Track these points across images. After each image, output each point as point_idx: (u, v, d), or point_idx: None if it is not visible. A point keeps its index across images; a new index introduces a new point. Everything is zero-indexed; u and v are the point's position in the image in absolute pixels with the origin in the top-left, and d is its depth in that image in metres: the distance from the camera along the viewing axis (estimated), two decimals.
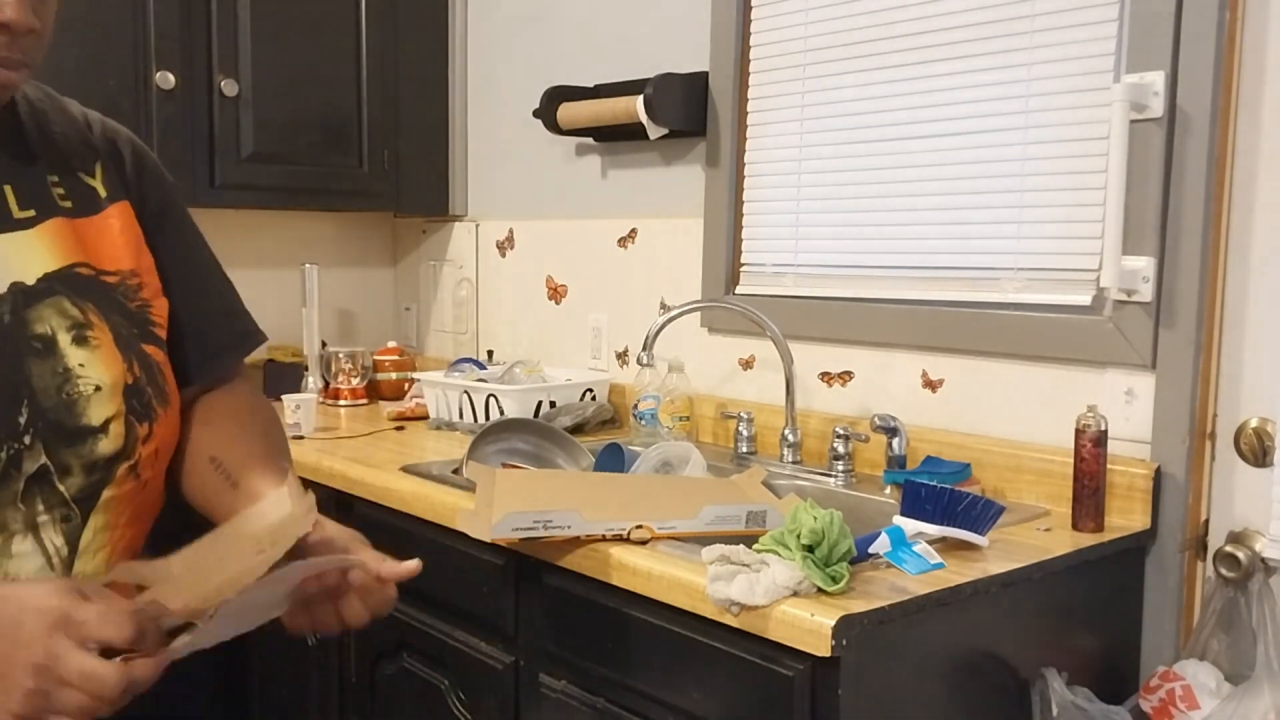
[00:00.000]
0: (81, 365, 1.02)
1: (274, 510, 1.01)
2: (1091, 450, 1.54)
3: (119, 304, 1.08)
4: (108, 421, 1.03)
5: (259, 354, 2.54)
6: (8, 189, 1.04)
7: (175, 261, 1.17)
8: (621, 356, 2.41)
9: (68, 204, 1.08)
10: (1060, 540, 1.50)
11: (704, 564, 1.28)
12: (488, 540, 1.42)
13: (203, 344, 1.18)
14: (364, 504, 1.85)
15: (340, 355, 2.63)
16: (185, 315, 1.16)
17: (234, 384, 1.25)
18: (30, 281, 1.02)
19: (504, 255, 2.70)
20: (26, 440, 0.98)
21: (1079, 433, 1.55)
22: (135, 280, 1.11)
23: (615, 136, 2.33)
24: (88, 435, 1.02)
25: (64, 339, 1.02)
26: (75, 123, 1.14)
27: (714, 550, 1.29)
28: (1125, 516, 1.57)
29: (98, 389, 1.03)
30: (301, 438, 2.18)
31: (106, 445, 1.03)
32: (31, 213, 1.04)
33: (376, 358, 2.69)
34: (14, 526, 0.99)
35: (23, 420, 0.98)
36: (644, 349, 1.91)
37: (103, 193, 1.11)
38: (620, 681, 1.43)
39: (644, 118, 2.13)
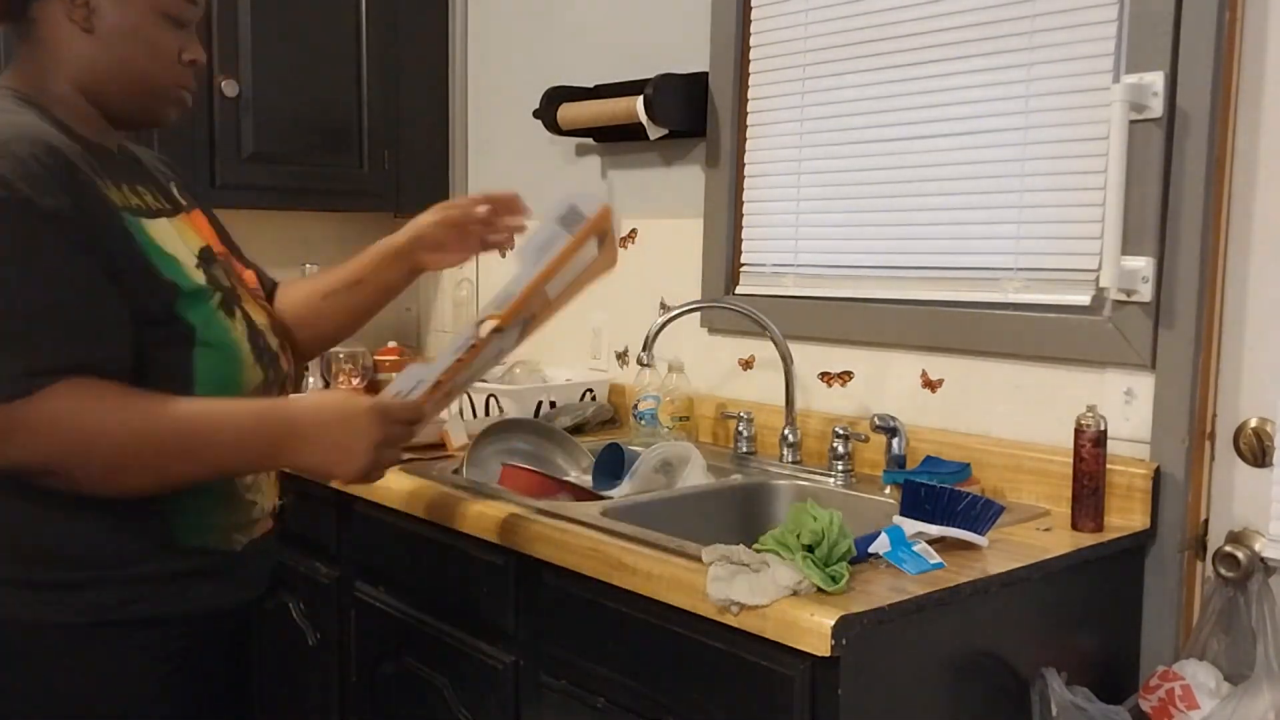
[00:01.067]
0: (249, 311, 1.34)
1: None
2: (1091, 450, 1.54)
3: (236, 271, 1.39)
4: (278, 351, 1.37)
5: None
6: (154, 188, 1.32)
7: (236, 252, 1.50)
8: (621, 356, 2.41)
9: (184, 203, 1.37)
10: (1060, 540, 1.50)
11: (704, 564, 1.29)
12: None
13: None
14: (364, 504, 1.85)
15: (340, 355, 2.62)
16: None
17: None
18: (197, 255, 1.30)
19: (504, 255, 2.69)
20: (273, 353, 1.35)
21: (1078, 433, 1.55)
22: (229, 260, 1.40)
23: (615, 137, 2.33)
24: (278, 357, 1.37)
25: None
26: (150, 155, 1.42)
27: (714, 550, 1.29)
28: (1125, 516, 1.57)
29: (265, 326, 1.36)
30: None
31: (284, 365, 1.39)
32: (171, 205, 1.33)
33: (376, 358, 2.69)
34: None
35: (261, 345, 1.33)
36: (644, 349, 1.91)
37: (184, 202, 1.38)
38: (620, 681, 1.43)
39: (644, 118, 2.13)
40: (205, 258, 1.31)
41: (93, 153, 1.23)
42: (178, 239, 1.28)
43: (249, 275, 1.46)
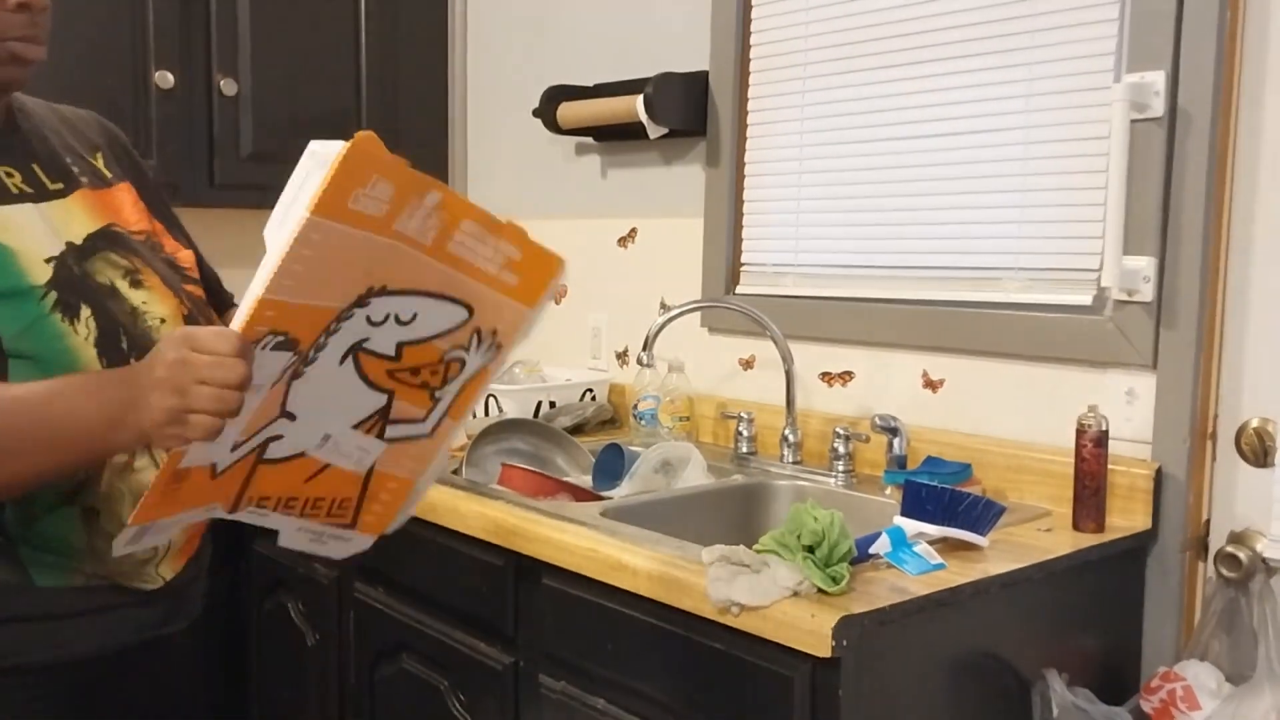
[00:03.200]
0: (144, 303, 1.17)
1: None
2: (1092, 450, 1.53)
3: (154, 254, 1.22)
4: None
5: None
6: (35, 166, 1.16)
7: (174, 229, 1.32)
8: (621, 356, 2.41)
9: (84, 179, 1.20)
10: (1061, 540, 1.50)
11: (704, 564, 1.28)
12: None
13: (210, 289, 1.35)
14: None
15: None
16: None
17: None
18: (79, 241, 1.14)
19: None
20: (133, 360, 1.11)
21: (1080, 433, 1.55)
22: (156, 238, 1.25)
23: (615, 136, 2.32)
24: None
25: (122, 284, 1.16)
26: (69, 119, 1.26)
27: (714, 551, 1.29)
28: (1126, 517, 1.57)
29: (163, 321, 1.17)
30: None
31: None
32: (60, 185, 1.17)
33: None
34: None
35: (124, 347, 1.12)
36: (644, 349, 1.91)
37: (108, 174, 1.24)
38: (620, 682, 1.43)
39: (644, 117, 2.13)
40: (86, 246, 1.13)
41: None
42: (38, 227, 1.11)
43: (184, 255, 1.27)
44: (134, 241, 1.20)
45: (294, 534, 1.08)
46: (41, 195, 1.14)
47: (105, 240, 1.16)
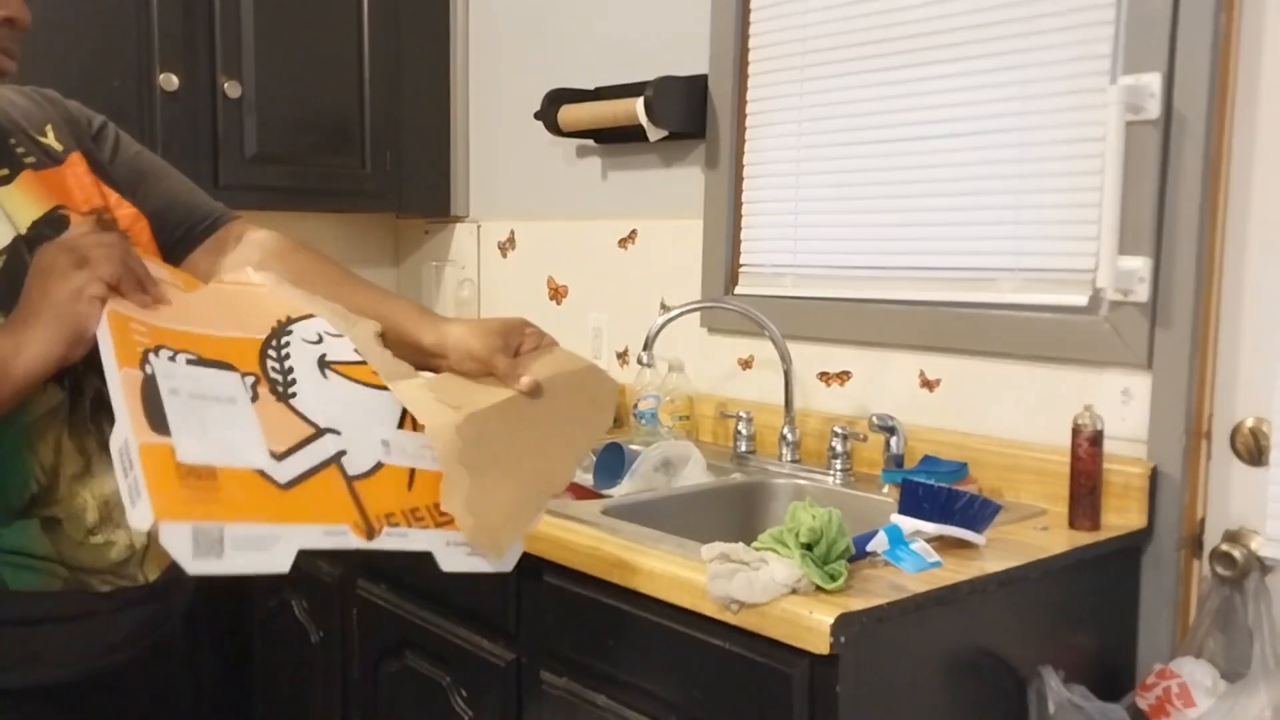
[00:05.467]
0: None
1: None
2: (1088, 449, 1.54)
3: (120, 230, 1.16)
4: None
5: None
6: None
7: (141, 171, 1.28)
8: (621, 356, 2.42)
9: (31, 159, 1.14)
10: (1057, 539, 1.50)
11: (704, 562, 1.29)
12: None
13: (194, 210, 1.31)
14: None
15: None
16: (168, 202, 1.28)
17: (254, 238, 1.35)
18: (24, 230, 1.09)
19: (505, 256, 2.71)
20: (80, 367, 1.05)
21: (1075, 432, 1.56)
22: (109, 215, 1.17)
23: (615, 138, 2.33)
24: None
25: None
26: (12, 100, 1.20)
27: (714, 548, 1.30)
28: (1122, 515, 1.58)
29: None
30: None
31: None
32: (5, 171, 1.11)
33: None
34: (90, 448, 1.09)
35: None
36: (644, 349, 1.92)
37: (58, 147, 1.18)
38: (621, 679, 1.44)
39: (644, 120, 2.14)
40: (32, 234, 1.09)
41: None
42: None
43: (125, 214, 1.20)
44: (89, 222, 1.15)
45: (446, 550, 1.05)
46: (5, 178, 1.11)
47: (50, 226, 1.10)
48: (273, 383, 0.99)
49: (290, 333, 1.04)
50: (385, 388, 1.06)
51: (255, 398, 0.97)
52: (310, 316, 1.08)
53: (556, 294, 2.57)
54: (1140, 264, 1.58)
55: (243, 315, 1.05)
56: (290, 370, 1.00)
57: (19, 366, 0.96)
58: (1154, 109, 1.55)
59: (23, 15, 1.11)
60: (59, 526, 1.07)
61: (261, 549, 0.89)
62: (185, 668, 1.30)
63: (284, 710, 2.14)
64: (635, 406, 2.14)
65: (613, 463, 1.90)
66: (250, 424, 0.94)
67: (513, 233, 2.69)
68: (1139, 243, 1.58)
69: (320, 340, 1.05)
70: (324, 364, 1.03)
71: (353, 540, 0.96)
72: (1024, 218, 1.72)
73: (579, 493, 1.79)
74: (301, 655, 2.06)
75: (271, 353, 1.00)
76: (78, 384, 1.08)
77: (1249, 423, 1.54)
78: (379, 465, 1.01)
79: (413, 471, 1.04)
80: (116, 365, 0.92)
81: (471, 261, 2.79)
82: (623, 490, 1.81)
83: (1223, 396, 1.57)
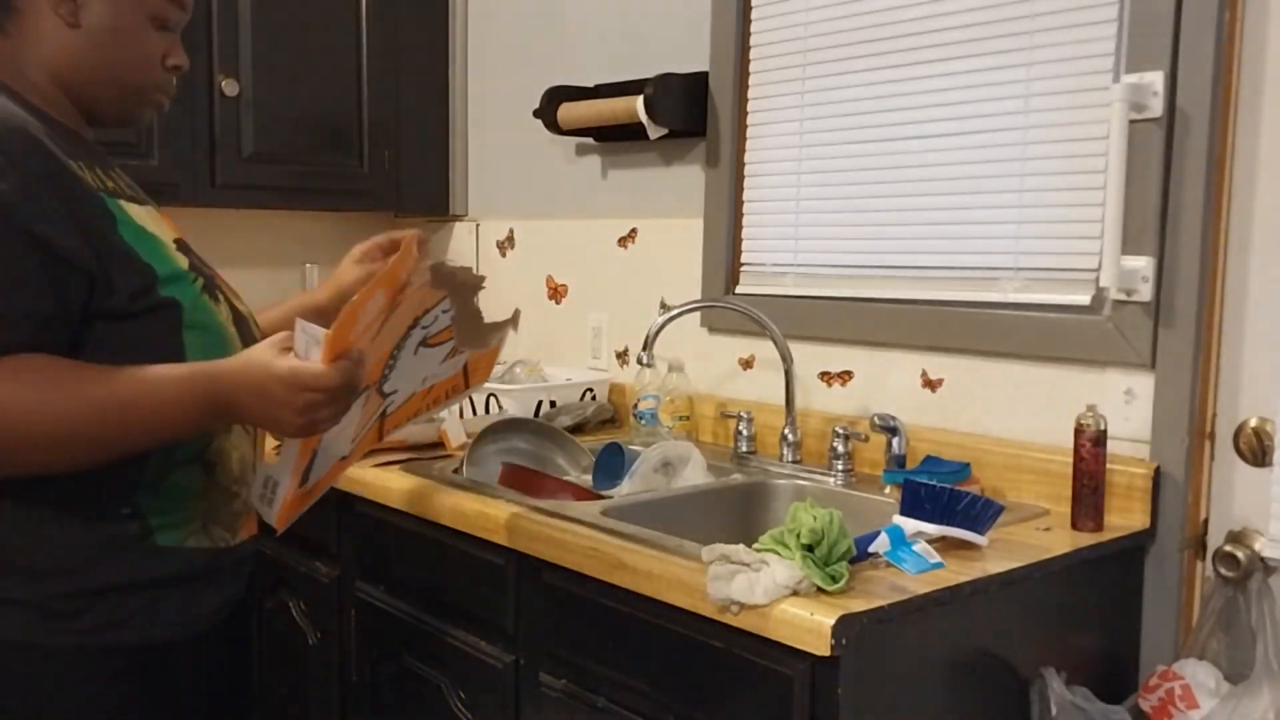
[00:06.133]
0: (231, 300, 1.35)
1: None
2: (1091, 450, 1.54)
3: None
4: (259, 340, 1.27)
5: None
6: (124, 177, 1.31)
7: None
8: (621, 356, 2.41)
9: (145, 198, 1.34)
10: (1059, 540, 1.50)
11: (704, 563, 1.29)
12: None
13: None
14: (364, 503, 1.85)
15: None
16: None
17: None
18: (184, 262, 1.28)
19: (504, 255, 2.71)
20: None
21: (1078, 432, 1.55)
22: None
23: (615, 136, 2.33)
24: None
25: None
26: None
27: (714, 550, 1.29)
28: (1124, 516, 1.57)
29: (247, 314, 1.37)
30: None
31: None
32: (137, 193, 1.31)
33: None
34: None
35: (249, 329, 1.34)
36: (644, 349, 1.91)
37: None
38: (620, 680, 1.43)
39: (644, 118, 2.13)
40: (182, 246, 1.30)
41: (66, 137, 1.21)
42: (157, 223, 1.27)
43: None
44: (196, 252, 1.34)
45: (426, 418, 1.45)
46: (145, 200, 1.30)
47: (185, 246, 1.31)
48: (381, 380, 1.26)
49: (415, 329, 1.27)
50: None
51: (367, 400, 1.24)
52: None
53: (556, 293, 2.56)
54: (1143, 263, 1.57)
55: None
56: (394, 362, 1.26)
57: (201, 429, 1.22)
58: (1157, 107, 1.54)
59: (186, 63, 1.31)
60: (214, 471, 1.28)
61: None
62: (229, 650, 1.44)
63: (282, 712, 2.13)
64: (635, 407, 2.13)
65: (612, 463, 1.89)
66: (349, 424, 1.22)
67: (512, 232, 2.68)
68: (1142, 242, 1.57)
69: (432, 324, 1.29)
70: (422, 343, 1.28)
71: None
72: (1027, 217, 1.71)
73: (578, 493, 1.78)
74: (299, 657, 2.06)
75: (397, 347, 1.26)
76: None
77: (1252, 423, 1.54)
78: (411, 395, 1.35)
79: (432, 385, 1.38)
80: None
81: (470, 261, 2.79)
82: (622, 491, 1.80)
83: (1226, 396, 1.57)
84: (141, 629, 1.22)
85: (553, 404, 2.24)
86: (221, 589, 1.32)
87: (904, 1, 1.84)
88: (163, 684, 1.26)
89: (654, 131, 2.15)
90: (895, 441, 1.78)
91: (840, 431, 1.85)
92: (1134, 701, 1.49)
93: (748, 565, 1.26)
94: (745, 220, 2.14)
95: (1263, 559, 1.50)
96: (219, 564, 1.30)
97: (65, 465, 1.14)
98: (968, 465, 1.71)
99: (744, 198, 2.13)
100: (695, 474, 1.86)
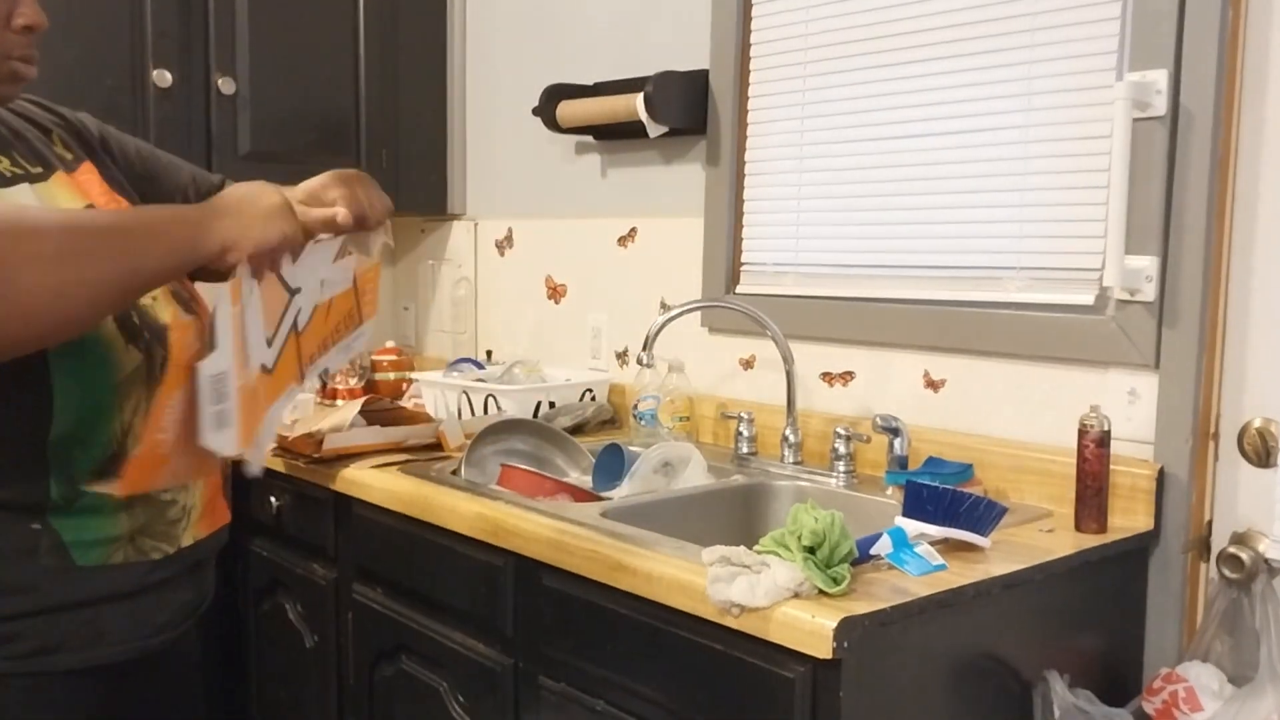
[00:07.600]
0: None
1: None
2: (1094, 451, 1.53)
3: None
4: (168, 325, 1.20)
5: None
6: (14, 153, 1.17)
7: (141, 176, 1.37)
8: (621, 356, 2.40)
9: (57, 163, 1.22)
10: (1063, 541, 1.49)
11: (704, 565, 1.28)
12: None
13: (199, 192, 1.43)
14: (362, 505, 1.84)
15: None
16: (172, 196, 1.41)
17: None
18: None
19: (503, 254, 2.70)
20: (148, 335, 1.17)
21: (1082, 433, 1.54)
22: None
23: (615, 135, 2.32)
24: (165, 333, 1.20)
25: None
26: (20, 110, 1.25)
27: (714, 552, 1.28)
28: (1128, 517, 1.56)
29: (154, 299, 1.20)
30: None
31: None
32: (40, 169, 1.19)
33: (374, 358, 2.68)
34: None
35: (135, 321, 1.16)
36: (644, 349, 1.90)
37: (68, 155, 1.25)
38: (620, 683, 1.42)
39: (644, 116, 2.12)
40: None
41: None
42: (49, 200, 1.17)
43: None
44: None
45: (339, 360, 1.42)
46: (30, 177, 1.17)
47: None
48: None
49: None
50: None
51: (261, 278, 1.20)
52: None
53: (555, 293, 2.55)
54: (1147, 263, 1.56)
55: None
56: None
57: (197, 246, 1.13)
58: (1161, 105, 1.54)
59: (41, 21, 1.16)
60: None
61: (266, 436, 1.29)
62: (197, 664, 1.39)
63: (279, 716, 2.13)
64: (635, 407, 2.12)
65: (612, 464, 1.88)
66: (256, 310, 1.19)
67: (511, 231, 2.67)
68: (1146, 241, 1.56)
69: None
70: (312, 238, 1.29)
71: (295, 394, 1.35)
72: (1029, 216, 1.70)
73: (578, 495, 1.77)
74: (297, 660, 2.05)
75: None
76: (149, 349, 1.17)
77: (1256, 423, 1.53)
78: (314, 309, 1.32)
79: (330, 300, 1.35)
80: (230, 302, 1.15)
81: (469, 260, 2.78)
82: (622, 492, 1.80)
83: (1230, 397, 1.56)
84: (81, 650, 1.14)
85: (552, 404, 2.23)
86: (174, 596, 1.23)
87: (905, 0, 1.84)
88: (117, 708, 1.18)
89: (654, 130, 2.14)
90: (897, 442, 1.77)
91: (842, 432, 1.84)
92: (1137, 704, 1.48)
93: (748, 567, 1.25)
94: (746, 219, 2.13)
95: (1267, 560, 1.50)
96: (161, 574, 1.21)
97: (74, 284, 1.03)
98: (970, 466, 1.70)
99: (744, 196, 2.12)
100: (695, 475, 1.85)
